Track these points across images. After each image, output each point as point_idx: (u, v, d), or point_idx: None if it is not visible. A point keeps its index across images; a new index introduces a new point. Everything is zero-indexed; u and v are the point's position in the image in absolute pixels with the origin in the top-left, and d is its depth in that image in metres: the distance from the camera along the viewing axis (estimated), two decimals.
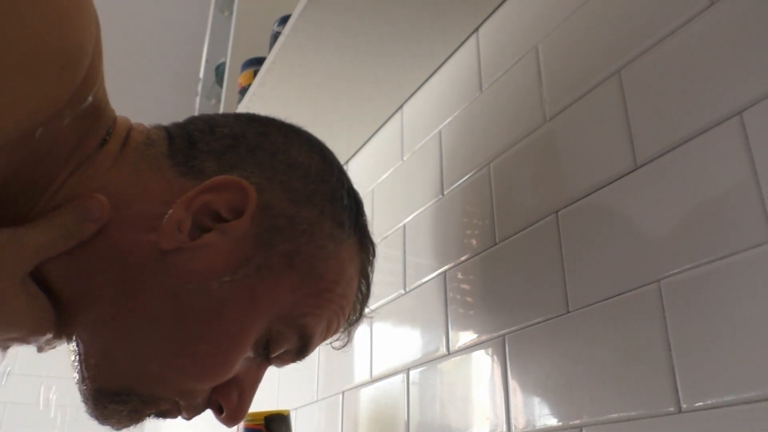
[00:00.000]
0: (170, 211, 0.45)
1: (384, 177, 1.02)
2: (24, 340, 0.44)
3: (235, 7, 1.43)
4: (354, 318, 0.57)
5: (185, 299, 0.45)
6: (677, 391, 0.49)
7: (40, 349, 0.47)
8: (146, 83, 2.10)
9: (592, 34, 0.65)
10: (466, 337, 0.74)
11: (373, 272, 0.58)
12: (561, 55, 0.69)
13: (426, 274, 0.85)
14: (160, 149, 0.48)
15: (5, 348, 0.45)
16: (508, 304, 0.69)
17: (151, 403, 0.47)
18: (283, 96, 0.96)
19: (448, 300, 0.79)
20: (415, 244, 0.90)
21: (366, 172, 1.08)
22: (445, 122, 0.88)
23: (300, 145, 0.53)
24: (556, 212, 0.65)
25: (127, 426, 0.47)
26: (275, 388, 1.21)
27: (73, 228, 0.43)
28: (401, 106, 1.01)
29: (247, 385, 0.50)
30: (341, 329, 0.56)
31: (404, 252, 0.92)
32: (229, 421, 0.50)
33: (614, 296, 0.56)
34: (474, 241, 0.77)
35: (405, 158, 0.97)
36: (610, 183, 0.59)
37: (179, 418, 0.50)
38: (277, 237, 0.48)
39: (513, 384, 0.66)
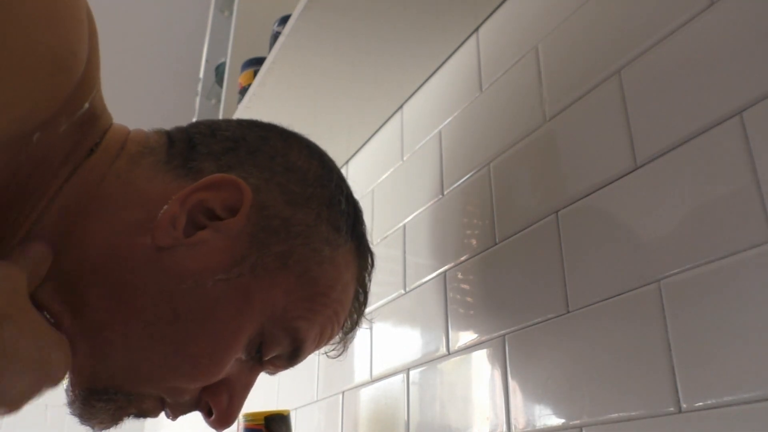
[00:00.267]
0: (165, 207, 0.45)
1: (384, 177, 1.02)
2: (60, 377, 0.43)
3: (235, 7, 1.43)
4: (349, 326, 0.56)
5: (180, 298, 0.45)
6: (677, 391, 0.49)
7: None
8: (146, 83, 2.10)
9: (592, 34, 0.65)
10: (466, 337, 0.74)
11: (370, 281, 0.57)
12: (561, 55, 0.69)
13: (426, 274, 0.85)
14: (157, 157, 0.48)
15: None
16: (508, 304, 0.69)
17: (135, 401, 0.47)
18: (283, 96, 0.96)
19: (448, 300, 0.79)
20: (415, 244, 0.90)
21: (366, 172, 1.08)
22: (445, 122, 0.88)
23: (300, 150, 0.53)
24: (556, 212, 0.65)
25: (109, 426, 0.47)
26: (275, 388, 1.21)
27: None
28: (401, 106, 1.01)
29: (238, 389, 0.50)
30: (336, 337, 0.56)
31: (404, 252, 0.92)
32: (218, 425, 0.50)
33: (614, 296, 0.56)
34: (474, 241, 0.77)
35: (405, 158, 0.97)
36: (610, 183, 0.59)
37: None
38: (272, 237, 0.48)
39: (513, 384, 0.66)
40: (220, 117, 1.34)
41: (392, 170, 1.00)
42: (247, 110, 0.99)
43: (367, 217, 0.66)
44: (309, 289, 0.50)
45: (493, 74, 0.80)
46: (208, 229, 0.46)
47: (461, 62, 0.87)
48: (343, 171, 1.07)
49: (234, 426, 0.77)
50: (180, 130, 0.51)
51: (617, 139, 0.59)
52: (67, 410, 0.47)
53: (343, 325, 0.55)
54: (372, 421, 0.90)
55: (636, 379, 0.53)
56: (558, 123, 0.67)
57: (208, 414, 0.50)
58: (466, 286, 0.77)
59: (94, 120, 0.46)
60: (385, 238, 0.97)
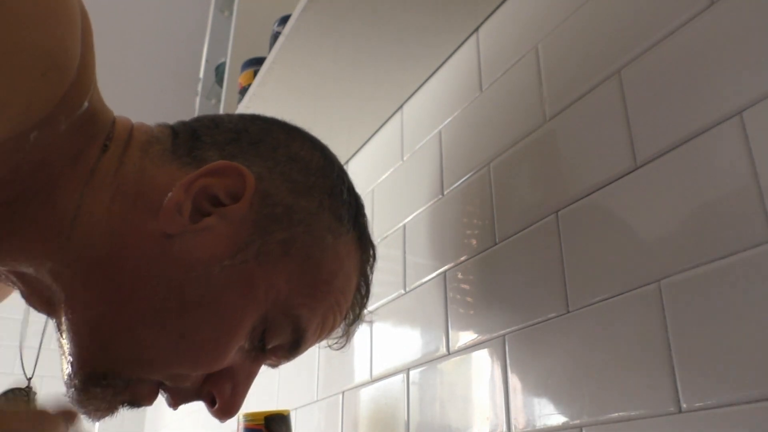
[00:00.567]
0: (170, 193, 0.46)
1: (384, 177, 1.02)
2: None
3: (235, 7, 1.43)
4: (352, 318, 0.57)
5: (188, 285, 0.45)
6: (677, 391, 0.49)
7: None
8: (146, 83, 2.10)
9: (592, 34, 0.65)
10: (466, 337, 0.74)
11: (372, 274, 0.58)
12: (561, 55, 0.69)
13: (426, 274, 0.85)
14: (163, 146, 0.49)
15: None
16: (508, 304, 0.69)
17: (133, 386, 0.47)
18: (283, 96, 0.96)
19: (448, 300, 0.79)
20: (415, 244, 0.90)
21: (366, 172, 1.08)
22: (445, 122, 0.88)
23: (302, 142, 0.54)
24: (556, 212, 0.65)
25: (104, 413, 0.47)
26: (275, 388, 1.21)
27: None
28: (401, 106, 1.01)
29: (241, 379, 0.50)
30: (338, 328, 0.56)
31: (404, 252, 0.92)
32: (222, 414, 0.50)
33: (614, 296, 0.56)
34: (474, 241, 0.77)
35: (405, 158, 0.97)
36: (610, 183, 0.59)
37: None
38: (275, 224, 0.49)
39: (513, 384, 0.66)
40: None
41: (392, 170, 1.00)
42: (247, 110, 0.98)
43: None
44: (311, 276, 0.50)
45: (493, 74, 0.80)
46: (213, 216, 0.47)
47: (461, 62, 0.87)
48: None
49: (234, 426, 0.77)
50: (183, 123, 0.52)
51: (617, 139, 0.59)
52: None
53: (346, 316, 0.55)
54: (372, 421, 0.90)
55: (636, 379, 0.53)
56: (558, 123, 0.67)
57: (211, 404, 0.50)
58: (466, 286, 0.77)
59: (95, 118, 0.47)
60: (385, 238, 0.97)
